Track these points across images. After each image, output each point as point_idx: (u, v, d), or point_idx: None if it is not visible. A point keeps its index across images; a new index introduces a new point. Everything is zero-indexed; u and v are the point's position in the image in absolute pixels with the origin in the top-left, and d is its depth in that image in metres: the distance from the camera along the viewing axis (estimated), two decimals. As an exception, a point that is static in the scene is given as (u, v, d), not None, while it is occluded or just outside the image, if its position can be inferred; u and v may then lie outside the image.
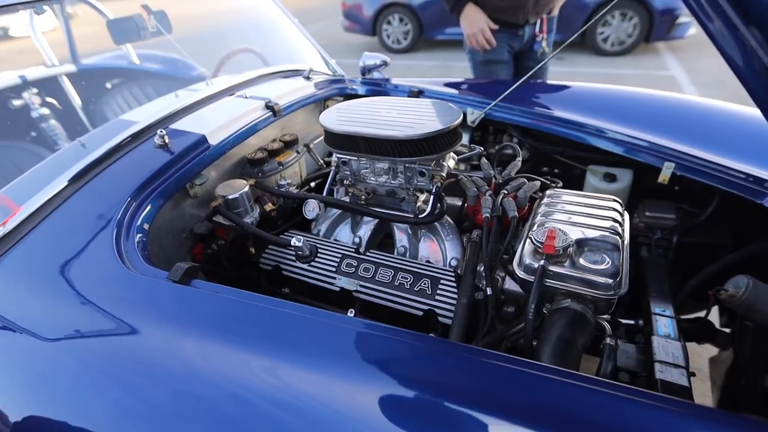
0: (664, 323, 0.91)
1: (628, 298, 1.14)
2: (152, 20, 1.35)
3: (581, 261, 0.69)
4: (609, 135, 1.16)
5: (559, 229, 0.71)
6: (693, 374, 0.79)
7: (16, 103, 1.76)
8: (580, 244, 0.72)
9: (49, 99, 1.86)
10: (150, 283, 0.65)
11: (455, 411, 0.48)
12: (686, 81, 4.55)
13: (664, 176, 1.09)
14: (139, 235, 0.72)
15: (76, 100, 1.97)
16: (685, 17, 5.32)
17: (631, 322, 0.98)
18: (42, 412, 0.59)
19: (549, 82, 1.64)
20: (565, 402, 0.48)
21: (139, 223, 0.74)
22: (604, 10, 4.73)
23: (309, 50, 1.73)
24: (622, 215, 0.82)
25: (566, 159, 1.27)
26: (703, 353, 1.29)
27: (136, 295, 0.64)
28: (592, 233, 0.73)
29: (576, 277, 0.67)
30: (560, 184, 1.00)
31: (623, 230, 0.78)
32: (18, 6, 1.09)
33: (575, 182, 1.30)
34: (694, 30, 5.54)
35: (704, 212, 1.12)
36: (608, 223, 0.76)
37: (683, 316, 1.13)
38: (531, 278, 0.69)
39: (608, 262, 0.69)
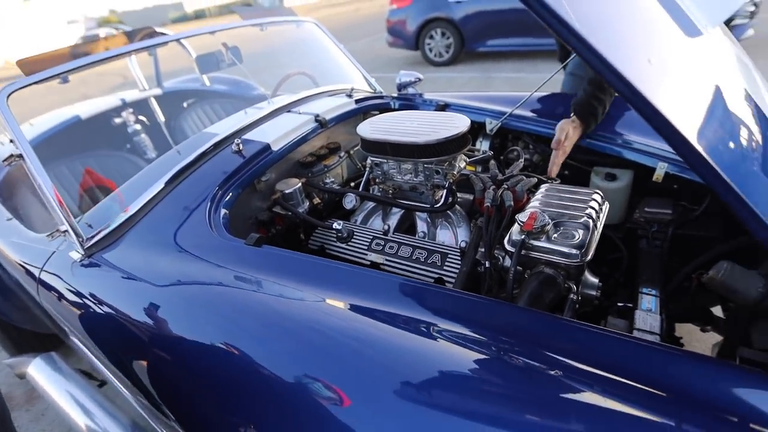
0: (648, 300, 1.06)
1: (626, 284, 1.29)
2: (229, 54, 1.68)
3: (555, 236, 0.88)
4: (609, 139, 1.31)
5: (540, 212, 0.90)
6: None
7: (117, 120, 2.16)
8: (558, 224, 0.91)
9: (141, 117, 2.26)
10: (233, 246, 0.91)
11: (444, 329, 0.69)
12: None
13: (658, 175, 1.24)
14: (224, 210, 1.00)
15: (161, 117, 2.37)
16: (741, 18, 5.15)
17: (627, 304, 1.12)
18: (161, 333, 0.86)
19: (560, 92, 1.80)
20: (521, 323, 0.68)
21: (223, 205, 1.02)
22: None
23: (353, 71, 2.01)
24: (600, 204, 0.99)
25: (573, 161, 1.43)
26: (710, 341, 1.39)
27: (224, 255, 0.91)
28: (568, 215, 0.92)
29: (549, 248, 0.86)
30: (558, 181, 1.18)
31: (599, 215, 0.95)
32: (132, 53, 1.43)
33: (582, 182, 1.45)
34: (752, 31, 5.34)
35: (700, 207, 1.25)
36: (585, 209, 0.94)
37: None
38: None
39: (577, 238, 0.87)
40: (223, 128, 1.35)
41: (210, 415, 0.74)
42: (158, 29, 1.96)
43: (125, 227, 1.07)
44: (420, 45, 6.79)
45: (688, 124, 0.51)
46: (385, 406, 0.60)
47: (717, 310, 1.25)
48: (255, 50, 1.85)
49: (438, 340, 0.68)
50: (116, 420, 1.29)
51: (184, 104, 2.50)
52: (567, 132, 1.26)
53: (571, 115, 1.30)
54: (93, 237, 1.04)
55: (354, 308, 0.74)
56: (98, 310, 0.97)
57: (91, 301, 1.00)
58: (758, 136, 0.68)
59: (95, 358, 1.15)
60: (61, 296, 1.08)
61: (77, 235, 1.03)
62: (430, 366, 0.64)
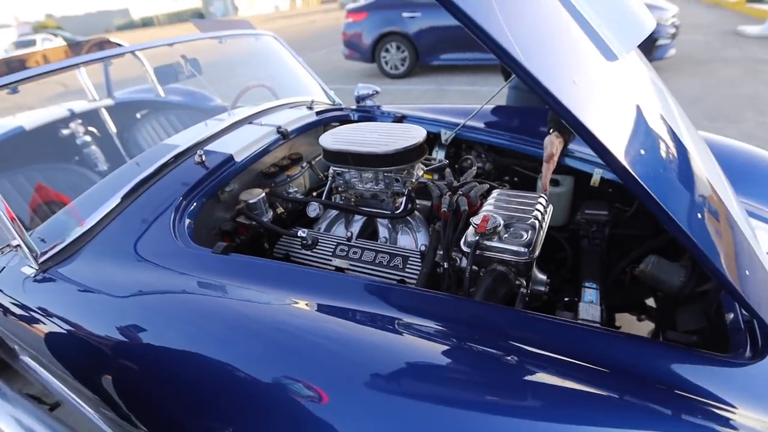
0: (589, 293, 1.17)
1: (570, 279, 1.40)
2: (188, 66, 1.67)
3: (506, 237, 0.96)
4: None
5: (492, 215, 0.99)
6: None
7: (65, 132, 2.08)
8: (508, 225, 0.99)
9: (90, 128, 2.18)
10: (199, 254, 0.93)
11: (409, 324, 0.74)
12: (665, 99, 4.85)
13: (595, 180, 1.37)
14: (189, 220, 1.01)
15: (112, 129, 2.30)
16: (664, 39, 5.69)
17: (573, 298, 1.22)
18: (128, 343, 0.86)
19: (511, 105, 1.93)
20: (479, 315, 0.75)
21: (188, 215, 1.03)
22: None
23: (311, 83, 2.05)
24: (545, 207, 1.09)
25: (521, 169, 1.55)
26: (645, 329, 1.54)
27: (190, 263, 0.92)
28: (517, 217, 1.01)
29: (501, 247, 0.94)
30: (507, 187, 1.28)
31: (544, 216, 1.05)
32: (81, 65, 1.39)
33: (529, 187, 1.57)
34: (674, 51, 5.91)
35: (631, 209, 1.39)
36: (532, 212, 1.04)
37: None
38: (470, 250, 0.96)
39: (525, 237, 0.95)
40: (183, 140, 1.34)
41: (183, 421, 0.75)
42: (112, 39, 1.91)
43: (82, 240, 1.05)
44: (376, 58, 6.94)
45: (610, 136, 0.60)
46: (357, 398, 0.65)
47: (651, 302, 1.39)
48: (212, 61, 1.85)
49: (403, 334, 0.73)
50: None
51: (138, 115, 2.43)
52: (555, 146, 1.33)
53: (551, 131, 1.38)
54: (47, 251, 1.02)
55: (321, 308, 0.78)
56: (56, 325, 0.94)
57: (47, 316, 0.97)
58: (670, 149, 0.79)
59: (50, 375, 1.11)
60: (11, 313, 1.04)
61: (30, 249, 1.00)
62: (397, 359, 0.69)
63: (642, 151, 0.67)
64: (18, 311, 1.03)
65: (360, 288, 0.82)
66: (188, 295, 0.86)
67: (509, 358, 0.69)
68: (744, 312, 0.79)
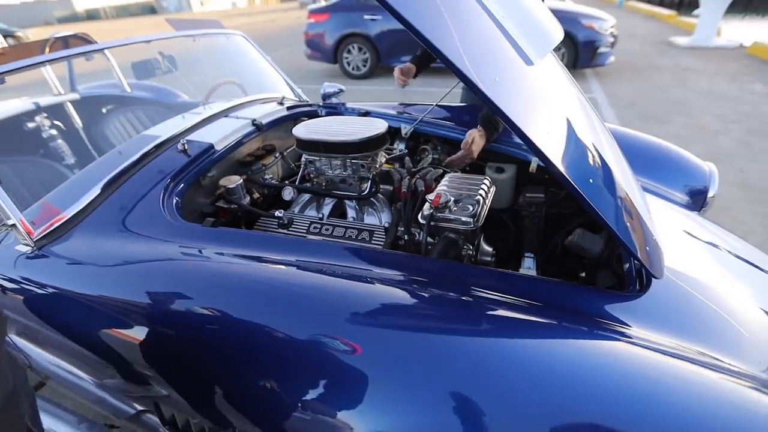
0: (528, 262, 1.38)
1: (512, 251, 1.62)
2: (165, 62, 1.75)
3: (455, 210, 1.15)
4: (498, 140, 1.66)
5: (444, 193, 1.17)
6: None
7: (30, 125, 2.09)
8: (457, 201, 1.18)
9: (56, 122, 2.20)
10: (191, 228, 1.05)
11: (378, 276, 0.91)
12: (605, 102, 5.31)
13: (533, 167, 1.60)
14: (177, 199, 1.13)
15: (78, 123, 2.32)
16: (604, 47, 6.20)
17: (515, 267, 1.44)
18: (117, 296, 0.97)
19: (464, 104, 2.15)
20: (435, 268, 0.93)
21: (176, 194, 1.15)
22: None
23: (279, 81, 2.18)
24: (489, 187, 1.29)
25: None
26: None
27: (181, 236, 1.04)
28: (464, 194, 1.20)
29: (451, 218, 1.13)
30: (458, 172, 1.47)
31: (487, 194, 1.25)
32: (54, 61, 1.45)
33: (477, 173, 1.78)
34: (613, 58, 6.44)
35: (563, 192, 1.63)
36: (478, 190, 1.23)
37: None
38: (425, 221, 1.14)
39: (471, 210, 1.15)
40: (163, 131, 1.45)
41: (206, 375, 0.86)
42: (79, 34, 1.96)
43: (76, 219, 1.14)
44: (338, 58, 7.07)
45: (529, 125, 0.79)
46: (345, 333, 0.79)
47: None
48: (184, 58, 1.94)
49: (375, 284, 0.89)
50: (61, 420, 1.32)
51: (103, 110, 2.45)
52: (474, 137, 1.56)
53: (479, 125, 1.60)
54: (42, 230, 1.10)
55: (308, 265, 0.94)
56: (54, 294, 1.04)
57: (42, 288, 1.06)
58: (581, 138, 1.01)
59: (40, 350, 1.19)
60: (7, 289, 1.11)
61: (25, 228, 1.09)
62: (372, 301, 0.84)
63: (558, 141, 0.87)
64: (12, 286, 1.10)
65: (334, 250, 0.99)
66: (194, 262, 0.98)
67: (464, 297, 0.87)
68: (634, 261, 1.02)
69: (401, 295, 0.87)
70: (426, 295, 0.87)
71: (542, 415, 0.65)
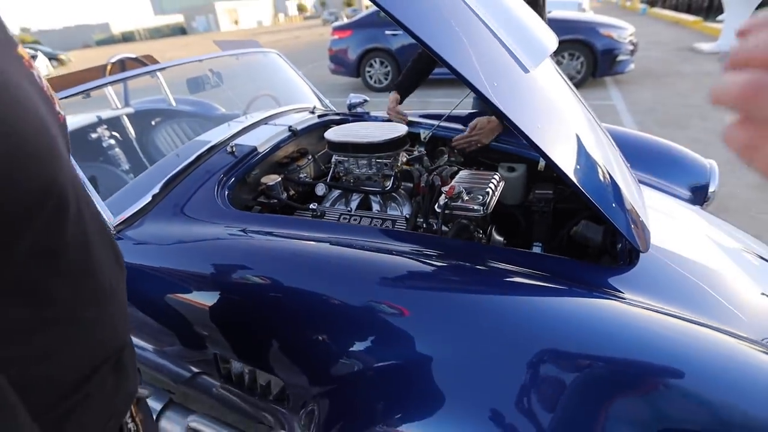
0: (536, 249, 1.53)
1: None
2: (214, 78, 2.00)
3: (467, 199, 1.31)
4: (509, 142, 1.82)
5: (457, 185, 1.34)
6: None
7: (93, 135, 2.37)
8: (469, 192, 1.35)
9: (114, 133, 2.48)
10: (239, 214, 1.26)
11: (403, 251, 1.08)
12: (624, 109, 5.37)
13: (541, 166, 1.75)
14: (228, 191, 1.33)
15: (132, 133, 2.60)
16: (623, 55, 6.26)
17: None
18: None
19: (472, 111, 2.31)
20: (453, 245, 1.10)
21: (228, 187, 1.36)
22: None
23: (309, 94, 2.40)
24: (498, 182, 1.45)
25: (483, 159, 1.92)
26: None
27: (237, 220, 1.24)
28: (475, 187, 1.36)
29: (463, 206, 1.29)
30: (475, 168, 1.64)
31: (496, 187, 1.41)
32: (126, 79, 1.72)
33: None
34: (633, 66, 6.48)
35: (569, 188, 1.77)
36: (488, 183, 1.39)
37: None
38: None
39: (481, 200, 1.31)
40: (212, 136, 1.67)
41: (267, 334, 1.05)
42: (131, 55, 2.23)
43: (146, 209, 1.36)
44: (361, 72, 7.36)
45: (530, 128, 0.95)
46: (376, 295, 0.96)
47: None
48: (227, 74, 2.19)
49: (400, 256, 1.06)
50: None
51: (153, 122, 2.74)
52: (479, 122, 1.76)
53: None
54: (121, 217, 1.33)
55: (342, 242, 1.12)
56: (133, 269, 1.25)
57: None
58: (580, 137, 1.16)
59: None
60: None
61: (107, 216, 1.31)
62: (400, 269, 1.01)
63: (557, 140, 1.03)
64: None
65: (364, 229, 1.17)
66: (246, 239, 1.17)
67: (480, 267, 1.03)
68: (625, 241, 1.16)
69: (425, 265, 1.03)
70: (446, 264, 1.03)
71: (550, 354, 0.79)
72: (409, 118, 2.10)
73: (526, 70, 1.02)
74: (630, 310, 0.89)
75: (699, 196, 1.73)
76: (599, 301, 0.91)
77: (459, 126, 1.99)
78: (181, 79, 2.01)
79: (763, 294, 1.18)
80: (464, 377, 0.81)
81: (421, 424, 0.80)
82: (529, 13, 1.28)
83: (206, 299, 1.11)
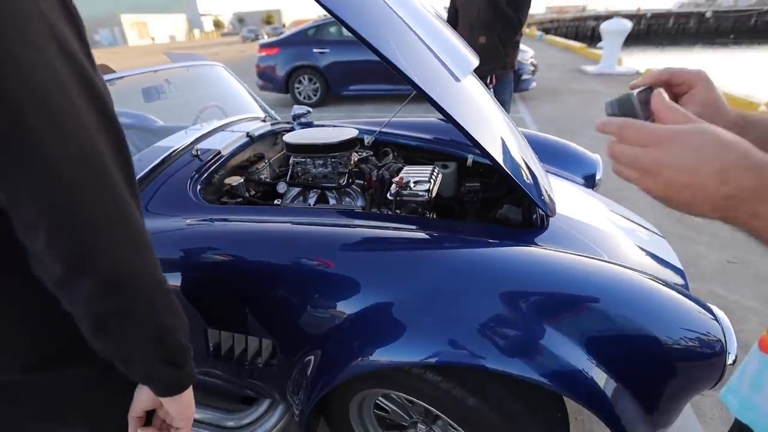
0: (470, 230, 1.82)
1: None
2: (171, 87, 2.06)
3: (413, 187, 1.57)
4: (444, 143, 2.13)
5: (404, 176, 1.60)
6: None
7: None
8: (416, 182, 1.61)
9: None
10: (211, 207, 1.39)
11: (360, 224, 1.29)
12: (530, 121, 6.11)
13: (469, 162, 2.08)
14: (200, 187, 1.46)
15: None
16: (527, 75, 7.11)
17: None
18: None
19: (412, 118, 2.63)
20: (404, 220, 1.34)
21: (199, 183, 1.48)
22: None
23: (254, 105, 2.54)
24: (436, 174, 1.73)
25: (423, 159, 2.22)
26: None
27: (203, 212, 1.37)
28: (419, 178, 1.63)
29: (410, 193, 1.55)
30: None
31: (436, 177, 1.69)
32: None
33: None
34: (535, 84, 7.38)
35: (492, 180, 2.12)
36: (429, 175, 1.67)
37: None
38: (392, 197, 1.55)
39: (425, 188, 1.58)
40: (173, 142, 1.77)
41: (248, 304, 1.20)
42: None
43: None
44: (290, 88, 7.49)
45: (468, 124, 1.23)
46: (340, 260, 1.17)
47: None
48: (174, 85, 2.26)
49: (359, 228, 1.27)
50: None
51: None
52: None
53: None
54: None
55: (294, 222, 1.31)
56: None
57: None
58: (501, 133, 1.48)
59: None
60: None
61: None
62: (358, 239, 1.22)
63: (492, 137, 1.33)
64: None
65: (321, 212, 1.37)
66: (219, 227, 1.31)
67: (430, 231, 1.27)
68: (538, 210, 1.49)
69: (381, 231, 1.25)
70: (400, 231, 1.27)
71: (495, 288, 1.05)
72: (354, 126, 2.34)
73: (457, 79, 1.31)
74: (554, 253, 1.18)
75: (589, 182, 2.17)
76: (529, 248, 1.20)
77: (394, 131, 2.28)
78: (132, 90, 2.05)
79: (638, 246, 1.57)
80: (424, 311, 1.05)
81: (390, 348, 1.02)
82: (451, 32, 1.59)
83: (180, 281, 1.24)
